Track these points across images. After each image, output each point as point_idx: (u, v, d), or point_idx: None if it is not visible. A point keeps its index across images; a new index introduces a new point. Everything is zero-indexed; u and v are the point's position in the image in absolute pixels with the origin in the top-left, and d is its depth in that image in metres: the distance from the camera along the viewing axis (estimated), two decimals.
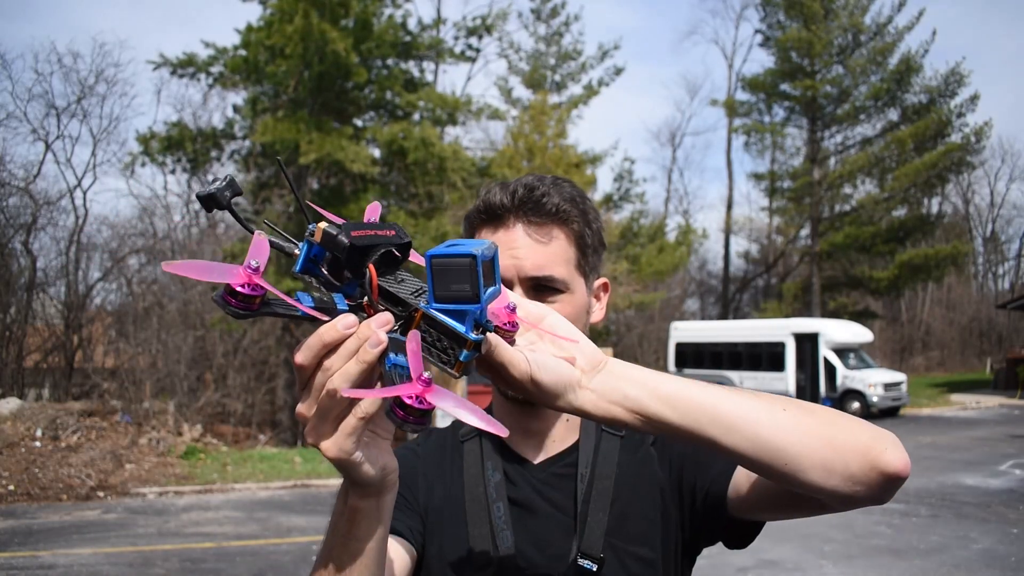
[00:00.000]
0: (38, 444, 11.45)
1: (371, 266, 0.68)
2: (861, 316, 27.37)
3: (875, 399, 18.62)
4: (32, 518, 8.92)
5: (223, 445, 13.38)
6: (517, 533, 1.04)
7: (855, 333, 20.48)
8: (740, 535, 1.05)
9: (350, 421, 0.65)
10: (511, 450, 1.11)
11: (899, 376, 20.07)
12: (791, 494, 0.89)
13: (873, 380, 18.88)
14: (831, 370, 19.43)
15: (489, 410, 1.15)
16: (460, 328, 0.65)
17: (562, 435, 1.11)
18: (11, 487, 10.17)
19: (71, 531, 8.23)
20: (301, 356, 0.65)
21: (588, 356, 0.75)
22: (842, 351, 19.87)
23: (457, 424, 1.18)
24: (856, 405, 18.80)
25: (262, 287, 0.63)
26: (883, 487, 0.76)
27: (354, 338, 0.64)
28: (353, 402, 0.64)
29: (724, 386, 0.78)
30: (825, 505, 0.85)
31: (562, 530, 1.04)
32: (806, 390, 19.86)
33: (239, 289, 0.62)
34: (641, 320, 28.15)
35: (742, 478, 0.98)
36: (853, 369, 19.36)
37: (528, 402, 1.01)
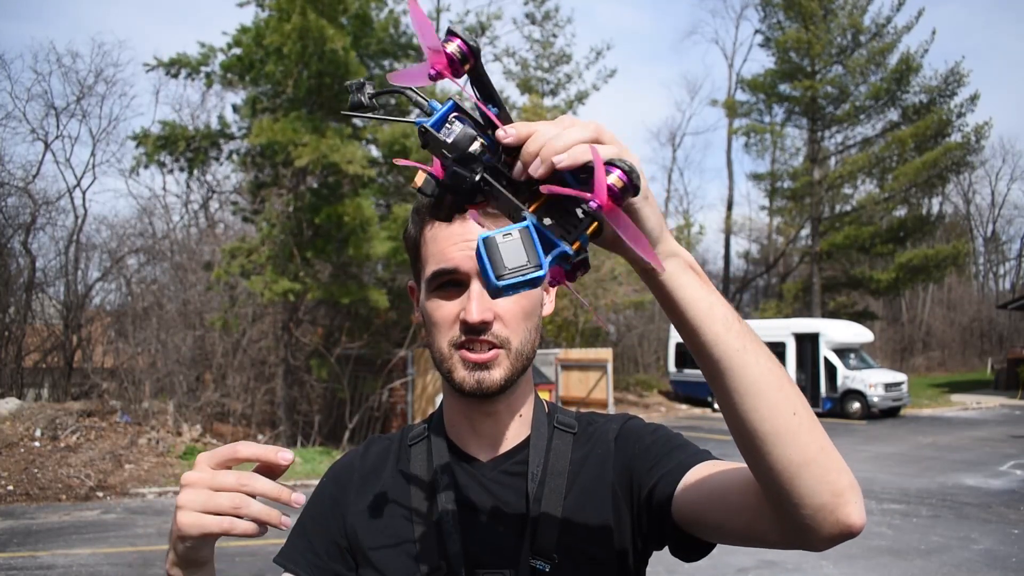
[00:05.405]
0: (37, 444, 11.44)
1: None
2: (861, 316, 27.35)
3: (876, 399, 18.60)
4: (31, 518, 8.90)
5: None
6: (466, 534, 1.00)
7: (856, 333, 20.46)
8: (687, 547, 0.98)
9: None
10: (460, 450, 1.08)
11: (900, 376, 20.05)
12: (734, 514, 0.86)
13: (874, 380, 18.85)
14: (832, 370, 19.41)
15: (440, 411, 1.13)
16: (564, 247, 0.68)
17: (513, 433, 1.07)
18: (10, 487, 10.16)
19: (70, 531, 8.22)
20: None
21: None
22: (843, 351, 19.85)
23: (407, 429, 1.15)
24: (857, 405, 18.79)
25: (461, 48, 0.68)
26: (832, 538, 0.75)
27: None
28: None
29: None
30: (763, 536, 0.83)
31: (513, 530, 1.01)
32: (807, 390, 19.82)
33: (449, 53, 0.68)
34: (641, 320, 28.11)
35: (690, 486, 0.94)
36: (854, 369, 19.34)
37: (481, 396, 0.99)
